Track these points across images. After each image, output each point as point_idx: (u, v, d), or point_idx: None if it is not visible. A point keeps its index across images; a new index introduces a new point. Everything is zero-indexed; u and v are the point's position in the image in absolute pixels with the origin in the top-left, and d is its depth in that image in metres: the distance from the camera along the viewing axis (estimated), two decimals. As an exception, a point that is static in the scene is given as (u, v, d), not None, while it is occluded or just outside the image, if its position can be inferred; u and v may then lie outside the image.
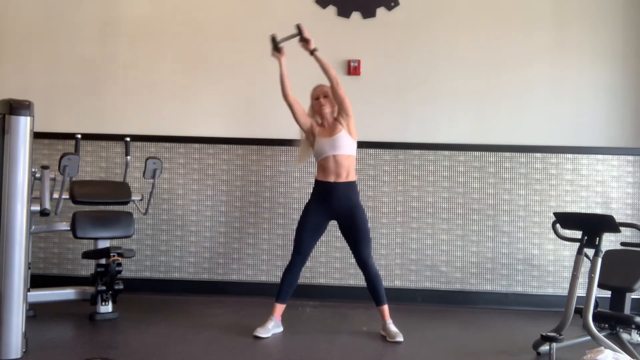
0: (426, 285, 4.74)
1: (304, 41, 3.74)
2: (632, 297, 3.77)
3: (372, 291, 3.81)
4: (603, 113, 4.73)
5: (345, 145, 3.76)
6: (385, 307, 3.82)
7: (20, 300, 3.18)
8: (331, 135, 3.78)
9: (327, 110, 3.84)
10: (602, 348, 3.00)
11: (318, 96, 3.85)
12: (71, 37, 4.90)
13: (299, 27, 3.73)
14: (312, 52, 3.74)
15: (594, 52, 4.73)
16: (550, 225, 3.93)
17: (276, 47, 3.81)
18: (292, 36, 3.77)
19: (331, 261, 4.77)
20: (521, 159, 4.72)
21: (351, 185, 3.79)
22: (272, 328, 3.78)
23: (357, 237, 3.78)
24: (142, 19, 4.88)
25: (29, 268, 3.70)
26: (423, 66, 4.77)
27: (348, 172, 3.77)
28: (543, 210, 4.68)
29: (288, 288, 3.84)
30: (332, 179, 3.77)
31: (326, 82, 3.81)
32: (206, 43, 4.85)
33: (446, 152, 4.73)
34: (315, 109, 3.89)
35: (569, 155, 4.70)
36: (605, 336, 3.37)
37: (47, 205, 3.48)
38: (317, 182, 3.85)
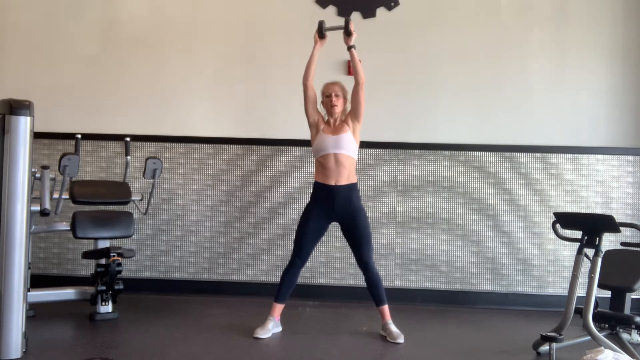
0: (426, 285, 4.74)
1: (348, 34, 3.78)
2: (632, 297, 3.77)
3: (373, 292, 3.80)
4: (603, 113, 4.72)
5: (348, 146, 3.73)
6: (386, 308, 3.82)
7: (20, 300, 3.18)
8: (335, 133, 3.77)
9: (338, 110, 3.82)
10: (602, 348, 3.00)
11: (330, 94, 3.82)
12: (71, 38, 4.90)
13: (347, 21, 3.78)
14: (349, 47, 3.77)
15: (594, 52, 4.73)
16: (550, 225, 3.93)
17: (321, 33, 3.85)
18: (338, 27, 3.83)
19: (331, 261, 4.77)
20: (521, 159, 4.72)
21: (352, 187, 3.77)
22: (271, 328, 3.78)
23: (358, 240, 3.77)
24: (142, 20, 4.88)
25: (29, 268, 3.70)
26: (423, 66, 4.77)
27: (349, 173, 3.74)
28: (543, 210, 4.68)
29: (287, 289, 3.84)
30: (332, 181, 3.73)
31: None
32: (206, 43, 4.85)
33: (446, 152, 4.73)
34: (326, 107, 3.87)
35: (569, 155, 4.70)
36: (605, 336, 3.37)
37: (47, 205, 3.48)
38: (317, 184, 3.81)
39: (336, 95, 3.81)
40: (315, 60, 3.82)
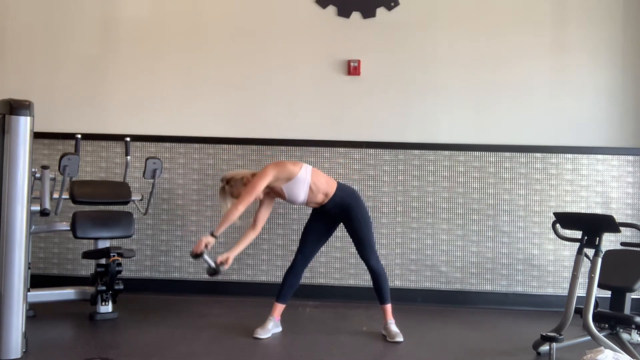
0: (426, 285, 4.74)
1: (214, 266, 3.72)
2: (632, 297, 3.77)
3: (375, 290, 3.82)
4: (603, 113, 4.72)
5: (297, 191, 3.65)
6: (388, 307, 3.82)
7: (20, 300, 3.18)
8: (283, 196, 3.72)
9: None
10: (602, 348, 3.00)
11: (239, 194, 3.70)
12: (71, 37, 4.89)
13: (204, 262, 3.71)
14: (213, 237, 3.65)
15: (594, 52, 4.72)
16: (550, 225, 3.93)
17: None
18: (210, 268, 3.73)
19: (331, 261, 4.77)
20: (521, 159, 4.72)
21: (335, 196, 3.73)
22: (271, 328, 3.78)
23: (355, 238, 3.79)
24: (142, 19, 4.88)
25: (29, 268, 3.70)
26: (423, 66, 4.77)
27: (325, 194, 3.71)
28: (543, 210, 4.68)
29: (288, 289, 3.84)
30: (317, 206, 3.78)
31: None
32: (206, 43, 4.85)
33: (446, 152, 4.73)
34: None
35: (569, 155, 4.70)
36: (605, 336, 3.37)
37: (47, 205, 3.48)
38: None
39: (243, 185, 3.70)
40: (245, 242, 3.88)
